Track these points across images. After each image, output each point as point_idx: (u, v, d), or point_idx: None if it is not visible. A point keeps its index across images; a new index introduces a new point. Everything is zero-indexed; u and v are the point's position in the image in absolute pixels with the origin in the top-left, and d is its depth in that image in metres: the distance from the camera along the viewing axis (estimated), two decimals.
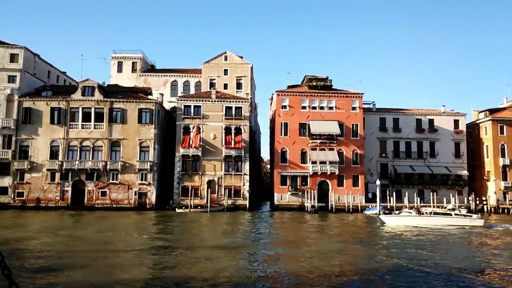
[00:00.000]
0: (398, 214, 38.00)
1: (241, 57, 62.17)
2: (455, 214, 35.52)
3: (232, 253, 19.96)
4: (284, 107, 54.64)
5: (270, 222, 39.13)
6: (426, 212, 35.65)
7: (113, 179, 49.81)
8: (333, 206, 49.97)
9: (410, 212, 36.20)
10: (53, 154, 49.84)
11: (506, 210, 52.73)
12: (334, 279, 14.34)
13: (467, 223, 33.79)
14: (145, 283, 13.62)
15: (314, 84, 55.93)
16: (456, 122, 58.65)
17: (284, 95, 55.12)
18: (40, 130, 50.00)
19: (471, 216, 35.89)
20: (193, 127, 51.19)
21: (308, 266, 16.57)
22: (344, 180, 53.10)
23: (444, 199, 51.15)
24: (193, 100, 53.32)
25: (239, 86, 60.25)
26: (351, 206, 49.42)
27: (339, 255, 19.72)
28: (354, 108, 54.85)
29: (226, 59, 60.99)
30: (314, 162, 52.66)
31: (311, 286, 13.61)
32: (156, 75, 65.35)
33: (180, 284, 13.54)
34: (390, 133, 57.86)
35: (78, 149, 49.93)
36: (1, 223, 33.90)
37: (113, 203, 49.10)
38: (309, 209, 48.34)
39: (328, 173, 52.49)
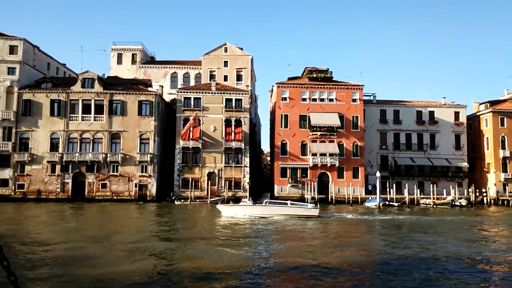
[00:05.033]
0: (237, 204, 37.59)
1: (241, 49, 61.84)
2: (291, 204, 35.30)
3: (231, 246, 20.01)
4: (285, 99, 54.50)
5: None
6: (262, 202, 35.91)
7: (113, 171, 49.90)
8: (333, 198, 50.09)
9: (246, 202, 36.24)
10: (53, 146, 49.89)
11: (506, 202, 52.77)
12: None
13: (303, 213, 33.64)
14: (146, 275, 13.64)
15: (315, 76, 55.74)
16: (456, 114, 58.48)
17: (284, 87, 54.94)
18: (40, 122, 49.97)
19: (307, 205, 36.11)
20: (192, 118, 50.74)
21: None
22: (344, 172, 53.17)
23: (444, 191, 51.23)
24: (193, 92, 53.22)
25: (239, 78, 60.05)
26: (351, 198, 49.54)
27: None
28: (354, 100, 54.70)
29: (226, 50, 60.70)
30: (314, 154, 52.68)
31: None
32: (156, 67, 65.11)
33: (181, 277, 13.59)
34: (391, 125, 57.75)
35: (78, 141, 49.95)
36: (1, 216, 34.01)
37: (113, 195, 49.23)
38: (309, 201, 48.44)
39: (328, 165, 52.53)
